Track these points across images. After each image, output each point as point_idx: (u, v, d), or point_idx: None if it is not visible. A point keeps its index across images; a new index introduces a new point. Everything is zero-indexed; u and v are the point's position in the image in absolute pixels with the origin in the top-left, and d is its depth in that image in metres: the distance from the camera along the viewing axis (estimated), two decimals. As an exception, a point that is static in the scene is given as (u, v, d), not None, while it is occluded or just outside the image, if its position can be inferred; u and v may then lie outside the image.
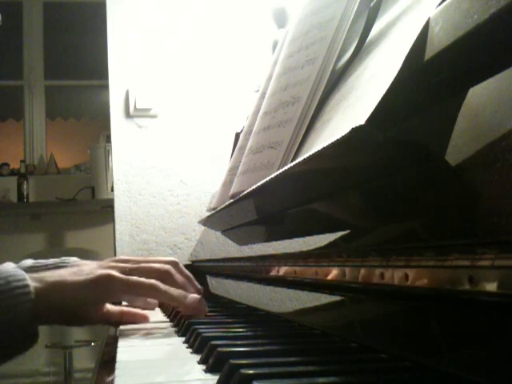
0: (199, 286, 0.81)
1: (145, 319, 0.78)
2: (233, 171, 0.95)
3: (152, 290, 0.70)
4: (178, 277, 0.74)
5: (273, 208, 0.77)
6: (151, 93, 1.89)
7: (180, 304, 0.72)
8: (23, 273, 0.65)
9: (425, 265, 0.36)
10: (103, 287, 0.68)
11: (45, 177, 3.61)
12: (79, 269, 0.70)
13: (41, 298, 0.63)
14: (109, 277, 0.68)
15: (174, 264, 0.78)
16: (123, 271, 0.71)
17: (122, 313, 0.77)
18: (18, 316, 0.61)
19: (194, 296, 0.73)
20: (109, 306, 0.75)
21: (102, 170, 3.43)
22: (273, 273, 0.72)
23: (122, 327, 0.77)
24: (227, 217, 0.97)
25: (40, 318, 0.64)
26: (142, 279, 0.70)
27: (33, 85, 3.69)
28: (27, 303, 0.62)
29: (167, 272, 0.74)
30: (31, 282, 0.64)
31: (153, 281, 0.70)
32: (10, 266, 0.71)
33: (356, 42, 0.66)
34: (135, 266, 0.73)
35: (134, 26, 1.91)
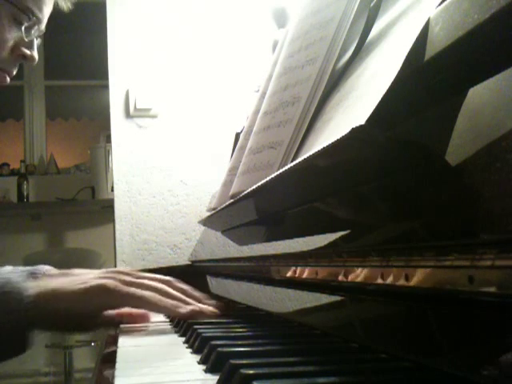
0: (198, 295, 0.80)
1: (144, 318, 0.77)
2: (233, 171, 0.95)
3: (146, 302, 0.71)
4: (173, 293, 0.74)
5: (273, 208, 0.77)
6: (151, 93, 1.89)
7: (175, 314, 0.72)
8: (19, 279, 0.65)
9: (425, 265, 0.36)
10: (97, 297, 0.68)
11: (45, 177, 3.61)
12: (78, 277, 0.70)
13: (36, 305, 0.64)
14: (103, 287, 0.68)
15: (168, 283, 0.77)
16: (121, 283, 0.71)
17: (120, 315, 0.77)
18: (11, 322, 0.62)
19: (190, 307, 0.73)
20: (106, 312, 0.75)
21: (102, 169, 3.43)
22: (273, 273, 0.72)
23: (122, 326, 0.76)
24: (227, 217, 0.97)
25: (35, 324, 0.65)
26: (138, 290, 0.70)
27: (33, 85, 3.69)
28: (22, 310, 0.62)
29: (162, 288, 0.73)
30: (27, 289, 0.64)
31: (147, 292, 0.70)
32: (6, 270, 0.71)
33: (356, 42, 0.66)
34: (133, 280, 0.73)
35: (134, 26, 1.91)
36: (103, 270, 0.76)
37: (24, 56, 0.90)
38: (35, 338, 0.67)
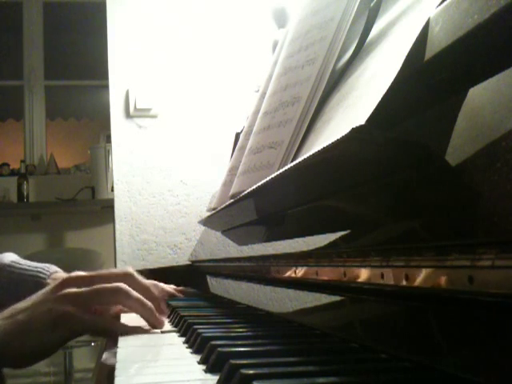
0: (157, 295, 0.78)
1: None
2: (233, 171, 0.95)
3: (104, 330, 0.69)
4: (132, 295, 0.71)
5: (273, 208, 0.77)
6: (151, 93, 1.89)
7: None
8: None
9: (425, 265, 0.36)
10: (62, 328, 0.66)
11: (45, 177, 3.61)
12: (33, 304, 0.67)
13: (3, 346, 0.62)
14: (66, 316, 0.66)
15: (129, 276, 0.75)
16: (77, 299, 0.68)
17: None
18: None
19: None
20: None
21: (102, 170, 3.43)
22: (273, 273, 0.72)
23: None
24: (227, 217, 0.97)
25: (8, 363, 0.64)
26: (95, 318, 0.69)
27: (33, 85, 3.69)
28: None
29: (120, 290, 0.70)
30: None
31: (107, 319, 0.69)
32: (9, 258, 0.70)
33: (356, 42, 0.66)
34: (88, 290, 0.69)
35: (134, 26, 1.91)
36: (59, 280, 0.72)
37: None
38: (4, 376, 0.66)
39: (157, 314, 0.72)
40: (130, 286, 0.71)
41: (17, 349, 0.63)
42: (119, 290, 0.69)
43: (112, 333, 0.69)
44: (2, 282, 0.73)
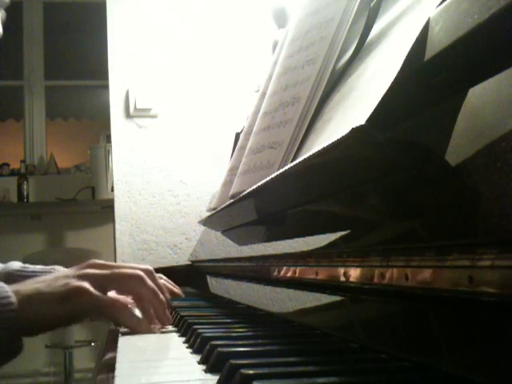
0: (168, 297, 0.79)
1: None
2: (233, 171, 0.95)
3: (115, 311, 0.70)
4: (148, 283, 0.73)
5: (273, 208, 0.77)
6: (151, 93, 1.89)
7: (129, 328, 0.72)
8: (7, 287, 0.64)
9: (425, 265, 0.36)
10: (73, 303, 0.67)
11: (45, 177, 3.61)
12: (55, 278, 0.69)
13: (20, 311, 0.63)
14: (80, 290, 0.67)
15: (149, 272, 0.76)
16: (96, 279, 0.70)
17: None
18: (1, 331, 0.62)
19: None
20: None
21: (102, 170, 3.43)
22: (273, 273, 0.72)
23: (121, 328, 0.76)
24: (227, 217, 0.98)
25: (23, 330, 0.65)
26: (110, 299, 0.69)
27: (33, 85, 3.69)
28: (10, 318, 0.62)
29: (138, 276, 0.72)
30: (10, 294, 0.63)
31: (120, 301, 0.70)
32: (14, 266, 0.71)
33: (356, 42, 0.66)
34: (108, 272, 0.72)
35: (134, 26, 1.91)
36: (81, 265, 0.74)
37: None
38: (23, 343, 0.66)
39: (167, 311, 0.74)
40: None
41: (30, 315, 0.65)
42: (136, 277, 0.72)
43: (118, 317, 0.70)
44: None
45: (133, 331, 0.70)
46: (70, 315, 0.68)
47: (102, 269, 0.73)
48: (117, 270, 0.73)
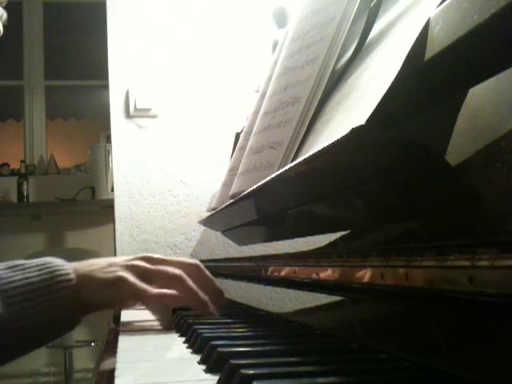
0: (217, 289, 0.81)
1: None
2: (233, 171, 0.95)
3: (150, 304, 0.75)
4: (187, 284, 0.75)
5: (273, 208, 0.77)
6: (151, 93, 1.89)
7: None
8: (68, 264, 0.71)
9: (425, 265, 0.36)
10: (115, 290, 0.72)
11: (45, 177, 3.61)
12: (107, 265, 0.74)
13: (77, 287, 0.69)
14: (122, 280, 0.72)
15: (196, 267, 0.80)
16: (140, 272, 0.74)
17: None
18: (63, 307, 0.67)
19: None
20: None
21: (102, 170, 3.43)
22: (273, 273, 0.72)
23: (121, 328, 0.77)
24: (227, 217, 0.98)
25: (78, 306, 0.69)
26: (149, 290, 0.72)
27: (33, 85, 3.69)
28: (71, 295, 0.68)
29: (177, 277, 0.75)
30: (69, 271, 0.70)
31: (155, 293, 0.72)
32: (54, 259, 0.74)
33: (356, 42, 0.66)
34: (151, 267, 0.76)
35: (134, 26, 1.91)
36: (137, 255, 0.79)
37: None
38: (80, 319, 0.71)
39: (211, 306, 0.75)
40: (195, 274, 0.77)
41: (83, 293, 0.70)
42: (176, 277, 0.75)
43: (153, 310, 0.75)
44: (20, 275, 0.76)
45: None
46: (112, 300, 0.73)
47: (150, 262, 0.77)
48: (161, 267, 0.76)
